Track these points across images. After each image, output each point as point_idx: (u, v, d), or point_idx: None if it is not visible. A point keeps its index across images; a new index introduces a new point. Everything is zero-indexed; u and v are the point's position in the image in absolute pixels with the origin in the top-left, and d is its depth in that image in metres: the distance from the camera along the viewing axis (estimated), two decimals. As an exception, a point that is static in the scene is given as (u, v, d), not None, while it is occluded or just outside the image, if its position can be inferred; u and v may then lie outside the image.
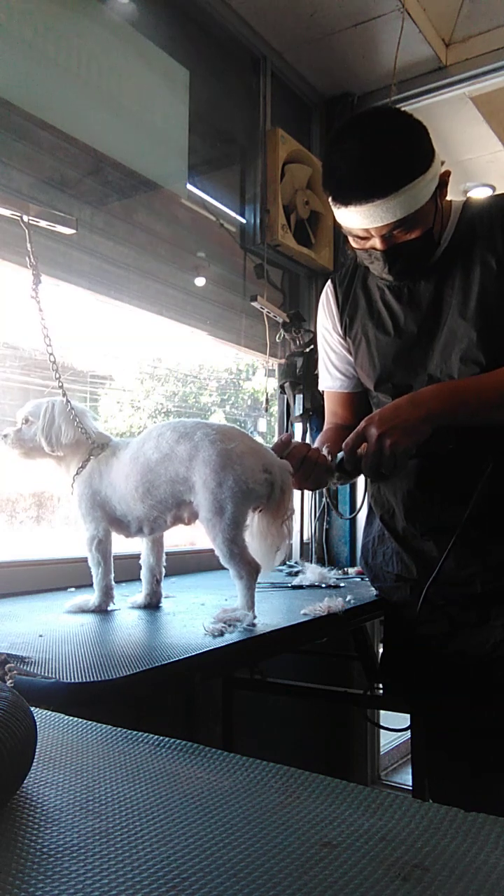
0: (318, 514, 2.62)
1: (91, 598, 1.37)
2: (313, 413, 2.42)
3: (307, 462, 1.35)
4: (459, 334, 1.35)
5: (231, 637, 1.12)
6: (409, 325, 1.42)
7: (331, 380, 1.62)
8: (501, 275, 1.31)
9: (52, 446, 1.37)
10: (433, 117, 2.68)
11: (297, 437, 2.39)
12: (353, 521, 2.55)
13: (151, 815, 0.51)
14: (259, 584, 1.29)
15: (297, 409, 2.47)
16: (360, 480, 2.04)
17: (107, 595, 1.38)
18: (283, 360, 2.57)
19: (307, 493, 2.52)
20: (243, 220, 2.55)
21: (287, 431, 2.60)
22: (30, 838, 0.47)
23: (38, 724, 0.58)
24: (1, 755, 0.49)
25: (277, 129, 2.52)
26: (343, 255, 2.69)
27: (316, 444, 1.44)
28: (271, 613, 1.35)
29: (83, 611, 1.36)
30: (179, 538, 2.18)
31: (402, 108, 1.39)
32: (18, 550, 2.02)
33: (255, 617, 1.23)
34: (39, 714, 0.74)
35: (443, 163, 1.29)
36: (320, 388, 1.69)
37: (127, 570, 1.51)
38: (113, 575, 1.39)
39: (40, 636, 1.11)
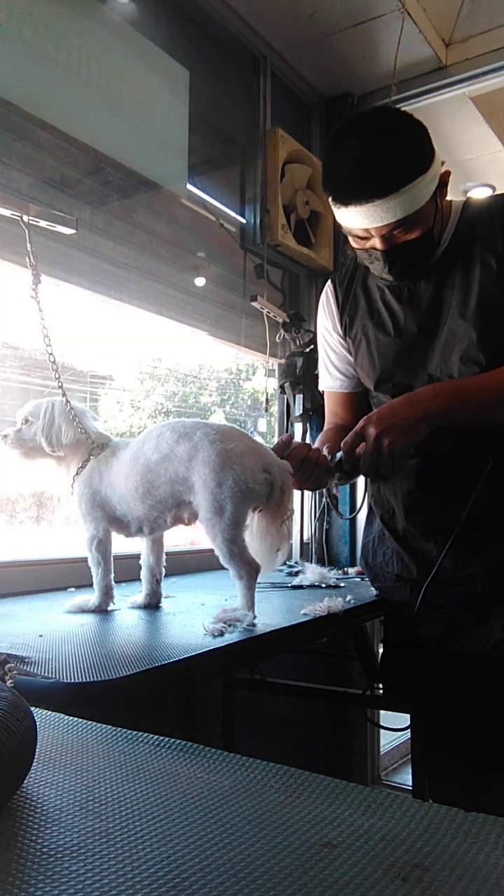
0: (318, 514, 2.62)
1: (91, 598, 1.37)
2: (313, 413, 2.42)
3: (307, 462, 1.35)
4: (459, 334, 1.35)
5: (231, 637, 1.12)
6: (409, 325, 1.42)
7: (331, 380, 1.62)
8: (501, 275, 1.31)
9: (51, 446, 1.37)
10: (433, 117, 2.68)
11: (297, 438, 2.39)
12: (353, 521, 2.55)
13: (151, 815, 0.51)
14: (259, 584, 1.29)
15: (297, 409, 2.47)
16: (360, 480, 2.04)
17: (107, 595, 1.38)
18: (283, 360, 2.57)
19: (307, 493, 2.52)
20: (243, 220, 2.55)
21: (287, 431, 2.60)
22: (30, 838, 0.47)
23: (38, 724, 0.58)
24: (1, 755, 0.49)
25: (277, 129, 2.52)
26: (343, 255, 2.69)
27: (316, 445, 1.44)
28: (271, 613, 1.35)
29: (83, 611, 1.36)
30: (179, 538, 2.18)
31: (402, 108, 1.39)
32: (18, 550, 2.02)
33: (255, 617, 1.23)
34: (39, 714, 0.74)
35: (443, 163, 1.29)
36: (320, 388, 1.69)
37: (127, 570, 1.51)
38: (113, 575, 1.39)
39: (40, 636, 1.11)
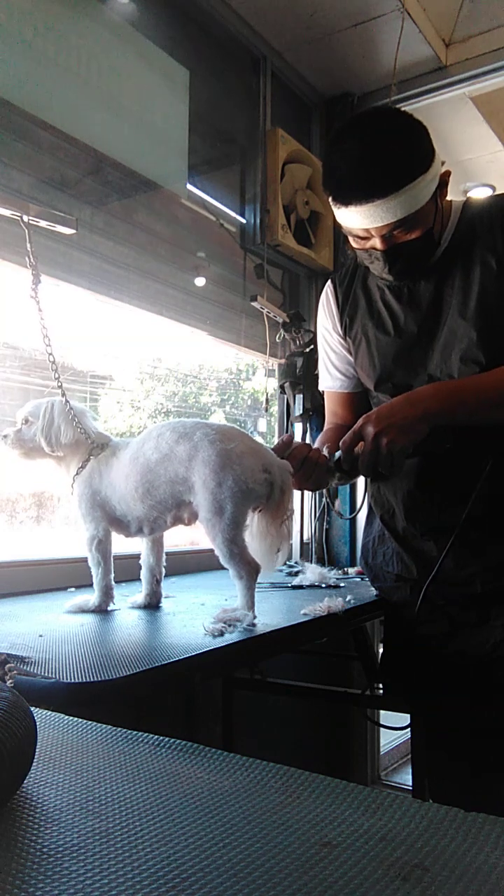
0: (318, 514, 2.62)
1: (91, 598, 1.37)
2: (313, 413, 2.42)
3: (308, 463, 1.35)
4: (459, 334, 1.35)
5: (231, 637, 1.12)
6: (409, 325, 1.42)
7: (331, 380, 1.62)
8: (501, 275, 1.31)
9: (51, 446, 1.37)
10: (433, 117, 2.68)
11: (297, 438, 2.39)
12: (353, 521, 2.55)
13: (151, 815, 0.51)
14: (259, 584, 1.29)
15: (297, 409, 2.47)
16: (361, 480, 2.04)
17: (107, 595, 1.38)
18: (283, 360, 2.57)
19: (307, 493, 2.52)
20: (243, 220, 2.55)
21: (287, 431, 2.60)
22: (30, 838, 0.47)
23: (38, 724, 0.58)
24: (1, 755, 0.49)
25: (277, 129, 2.52)
26: (343, 255, 2.69)
27: (316, 445, 1.44)
28: (271, 613, 1.35)
29: (83, 611, 1.36)
30: (179, 538, 2.18)
31: (402, 108, 1.39)
32: (18, 550, 2.02)
33: (255, 617, 1.23)
34: (39, 714, 0.74)
35: (443, 163, 1.29)
36: (320, 388, 1.69)
37: (127, 570, 1.51)
38: (113, 575, 1.39)
39: (40, 636, 1.11)
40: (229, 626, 1.17)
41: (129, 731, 0.69)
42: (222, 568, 1.27)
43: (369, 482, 1.59)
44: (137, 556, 1.45)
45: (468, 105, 2.76)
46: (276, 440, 1.41)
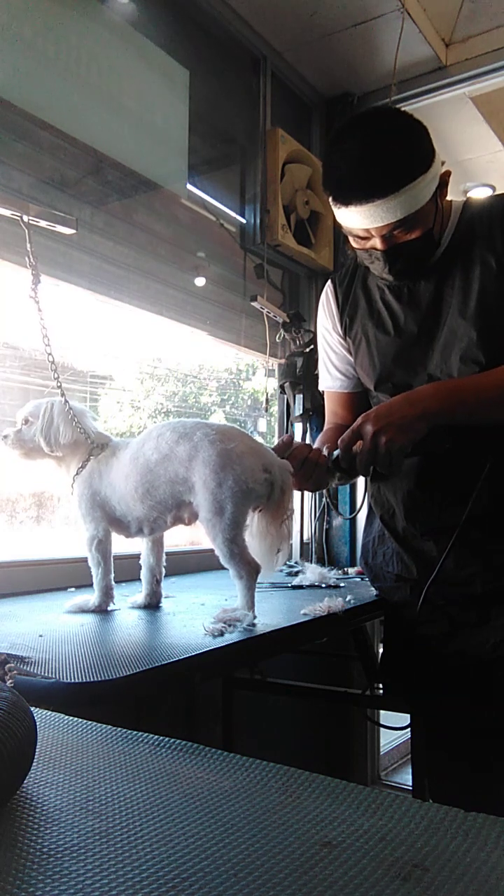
0: (318, 514, 2.62)
1: (91, 598, 1.37)
2: (313, 413, 2.42)
3: (308, 463, 1.35)
4: (459, 334, 1.35)
5: (231, 637, 1.12)
6: (409, 325, 1.42)
7: (331, 380, 1.62)
8: (501, 274, 1.31)
9: (51, 447, 1.37)
10: (433, 117, 2.67)
11: (298, 438, 2.39)
12: (353, 521, 2.55)
13: (151, 815, 0.51)
14: (259, 584, 1.29)
15: (297, 409, 2.47)
16: (361, 480, 2.04)
17: (107, 595, 1.38)
18: (283, 360, 2.57)
19: (307, 493, 2.52)
20: (243, 220, 2.55)
21: (287, 431, 2.60)
22: (30, 838, 0.47)
23: (38, 724, 0.58)
24: (1, 755, 0.49)
25: (277, 129, 2.52)
26: (343, 255, 2.69)
27: (316, 445, 1.44)
28: (271, 613, 1.35)
29: (83, 611, 1.36)
30: (179, 538, 2.18)
31: (402, 108, 1.39)
32: (18, 550, 2.02)
33: (255, 617, 1.23)
34: (39, 714, 0.74)
35: (443, 163, 1.29)
36: (320, 388, 1.69)
37: (127, 570, 1.51)
38: (113, 575, 1.39)
39: (40, 636, 1.11)
40: (229, 626, 1.17)
41: (129, 731, 0.69)
42: (222, 568, 1.27)
43: (369, 482, 1.59)
44: (137, 556, 1.45)
45: (468, 105, 2.76)
46: (276, 440, 1.41)
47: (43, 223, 1.43)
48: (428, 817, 0.52)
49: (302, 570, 1.95)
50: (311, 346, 2.42)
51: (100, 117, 1.99)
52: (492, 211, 1.37)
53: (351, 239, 1.35)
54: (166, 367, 2.98)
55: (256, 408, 3.19)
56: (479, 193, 3.38)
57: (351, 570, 2.22)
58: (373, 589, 1.63)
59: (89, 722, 0.72)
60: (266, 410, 2.77)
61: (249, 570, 1.25)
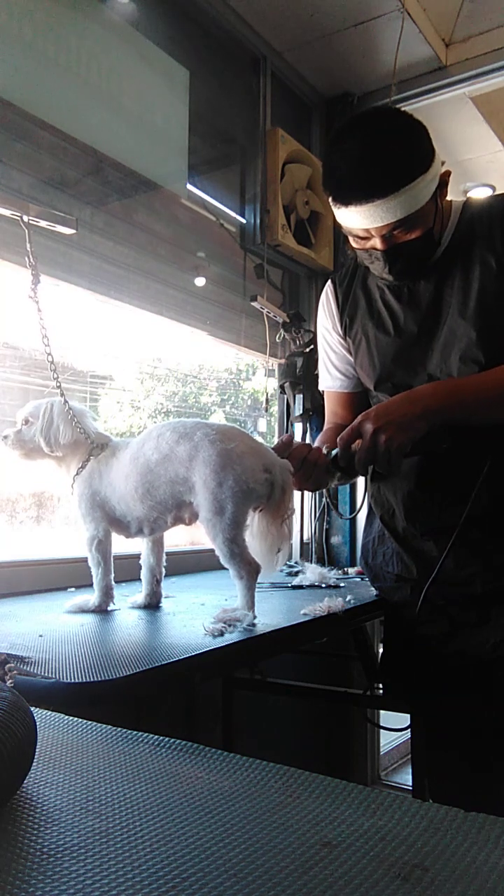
0: (318, 514, 2.62)
1: (91, 598, 1.37)
2: (313, 413, 2.42)
3: (307, 463, 1.35)
4: (459, 334, 1.35)
5: (231, 637, 1.12)
6: (409, 325, 1.42)
7: (331, 380, 1.62)
8: (501, 274, 1.32)
9: (50, 447, 1.37)
10: (433, 117, 2.67)
11: (298, 438, 2.39)
12: (353, 521, 2.55)
13: (151, 815, 0.51)
14: (259, 584, 1.29)
15: (297, 409, 2.47)
16: (361, 481, 2.04)
17: (107, 595, 1.38)
18: (283, 360, 2.57)
19: (307, 493, 2.52)
20: (243, 220, 2.55)
21: (287, 431, 2.60)
22: (30, 838, 0.47)
23: (38, 724, 0.58)
24: (1, 755, 0.49)
25: (277, 129, 2.52)
26: (343, 255, 2.69)
27: (315, 444, 1.44)
28: (271, 613, 1.35)
29: (83, 611, 1.36)
30: (179, 538, 2.18)
31: (402, 108, 1.39)
32: (18, 550, 2.02)
33: (255, 617, 1.23)
34: (39, 714, 0.74)
35: (443, 163, 1.29)
36: (320, 388, 1.69)
37: (127, 570, 1.51)
38: (113, 575, 1.39)
39: (40, 636, 1.11)
40: (229, 626, 1.17)
41: (129, 731, 0.69)
42: (222, 568, 1.27)
43: (369, 482, 1.59)
44: (137, 556, 1.45)
45: (468, 105, 2.76)
46: (276, 440, 1.41)
47: (43, 223, 1.43)
48: (428, 817, 0.52)
49: (302, 570, 1.95)
50: (311, 346, 2.42)
51: (100, 117, 1.99)
52: (492, 211, 1.37)
53: (351, 239, 1.34)
54: (166, 367, 2.98)
55: (256, 408, 3.19)
56: (479, 193, 3.38)
57: (351, 570, 2.22)
58: (373, 589, 1.63)
59: (89, 722, 0.72)
60: (266, 410, 2.77)
61: (249, 570, 1.25)
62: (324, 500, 2.55)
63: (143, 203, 2.19)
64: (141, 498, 1.32)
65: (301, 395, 2.45)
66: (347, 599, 1.50)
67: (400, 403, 1.27)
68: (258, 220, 2.49)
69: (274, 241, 2.47)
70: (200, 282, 2.43)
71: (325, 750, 2.53)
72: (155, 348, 2.82)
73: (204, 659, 1.01)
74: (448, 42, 2.64)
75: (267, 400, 2.63)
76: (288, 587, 1.78)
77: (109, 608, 1.38)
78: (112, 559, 1.39)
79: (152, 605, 1.43)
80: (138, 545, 1.46)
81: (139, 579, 1.44)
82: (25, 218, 1.40)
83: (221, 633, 1.13)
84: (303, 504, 2.61)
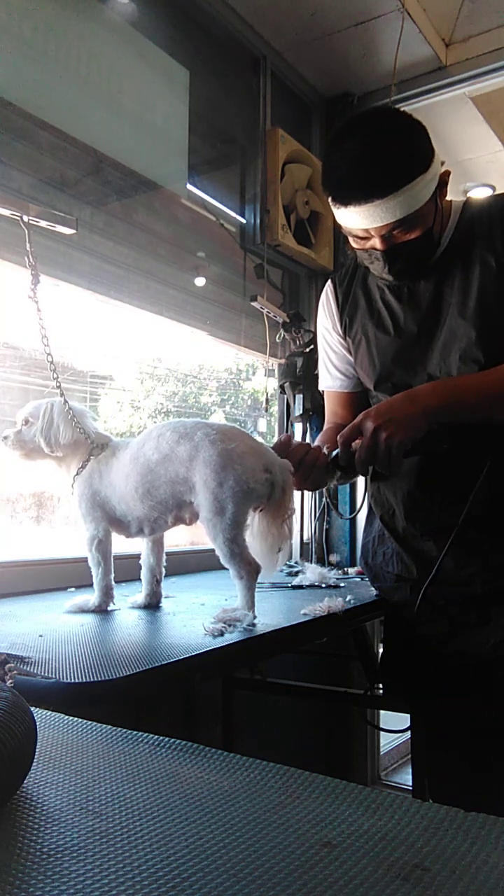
0: (318, 514, 2.62)
1: (91, 598, 1.37)
2: (313, 413, 2.42)
3: (307, 462, 1.35)
4: (459, 333, 1.35)
5: (231, 637, 1.12)
6: (409, 325, 1.42)
7: (331, 380, 1.62)
8: (501, 274, 1.32)
9: (50, 447, 1.37)
10: (433, 117, 2.68)
11: (297, 437, 2.39)
12: (353, 521, 2.55)
13: (151, 815, 0.51)
14: (259, 584, 1.29)
15: (297, 409, 2.47)
16: (361, 480, 2.04)
17: (107, 595, 1.38)
18: (283, 360, 2.57)
19: (307, 493, 2.52)
20: (243, 220, 2.55)
21: (287, 431, 2.60)
22: (30, 838, 0.47)
23: (38, 724, 0.58)
24: (1, 755, 0.49)
25: (277, 129, 2.52)
26: (343, 255, 2.69)
27: (315, 444, 1.44)
28: (271, 613, 1.35)
29: (83, 611, 1.36)
30: (179, 538, 2.18)
31: (402, 108, 1.39)
32: (18, 550, 2.02)
33: (255, 617, 1.23)
34: (39, 714, 0.74)
35: (443, 163, 1.29)
36: (320, 387, 1.69)
37: (127, 570, 1.51)
38: (113, 575, 1.39)
39: (40, 636, 1.11)
40: (229, 626, 1.17)
41: (129, 731, 0.69)
42: (222, 568, 1.27)
43: (369, 482, 1.58)
44: (137, 556, 1.45)
45: (468, 105, 2.76)
46: (275, 440, 1.41)
47: (43, 223, 1.43)
48: (428, 817, 0.52)
49: (302, 570, 1.95)
50: (311, 346, 2.42)
51: (100, 117, 1.99)
52: (492, 211, 1.37)
53: (351, 239, 1.34)
54: (166, 367, 2.98)
55: (256, 408, 3.19)
56: (479, 193, 3.38)
57: (351, 570, 2.22)
58: (373, 589, 1.63)
59: (89, 722, 0.72)
60: (266, 410, 2.77)
61: (250, 570, 1.25)
62: (324, 500, 2.55)
63: (143, 203, 2.19)
64: (141, 498, 1.32)
65: (301, 395, 2.45)
66: (347, 599, 1.50)
67: (401, 402, 1.28)
68: (258, 220, 2.49)
69: (274, 241, 2.47)
70: (200, 282, 2.43)
71: (325, 750, 2.53)
72: (155, 348, 2.83)
73: (204, 659, 1.01)
74: (448, 42, 2.64)
75: (267, 400, 2.63)
76: (288, 587, 1.78)
77: (109, 608, 1.38)
78: (112, 559, 1.39)
79: (152, 605, 1.43)
80: (138, 545, 1.46)
81: (139, 579, 1.44)
82: (25, 218, 1.40)
83: (221, 633, 1.13)
84: (303, 504, 2.61)
